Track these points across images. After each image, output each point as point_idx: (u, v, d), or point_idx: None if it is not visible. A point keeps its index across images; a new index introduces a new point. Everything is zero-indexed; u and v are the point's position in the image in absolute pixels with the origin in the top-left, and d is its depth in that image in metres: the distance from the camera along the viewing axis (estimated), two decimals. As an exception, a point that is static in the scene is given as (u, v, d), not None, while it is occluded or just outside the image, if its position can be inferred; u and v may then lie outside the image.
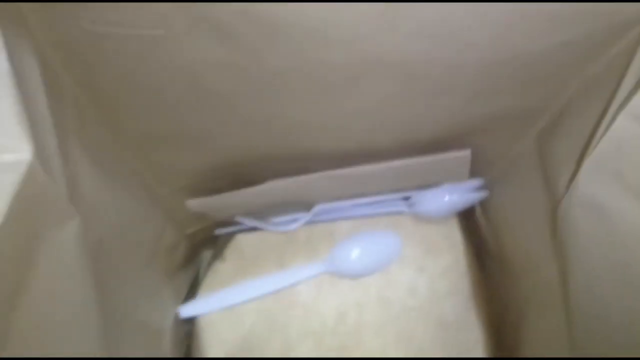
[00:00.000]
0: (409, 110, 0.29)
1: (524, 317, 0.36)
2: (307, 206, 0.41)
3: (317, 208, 0.40)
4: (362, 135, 0.31)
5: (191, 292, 0.41)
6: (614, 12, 0.21)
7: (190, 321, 0.40)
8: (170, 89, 0.24)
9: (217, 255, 0.42)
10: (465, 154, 0.33)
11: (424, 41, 0.22)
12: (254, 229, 0.42)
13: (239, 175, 0.36)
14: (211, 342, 0.39)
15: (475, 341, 0.39)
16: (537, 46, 0.22)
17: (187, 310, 0.39)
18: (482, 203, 0.41)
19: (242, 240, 0.42)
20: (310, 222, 0.42)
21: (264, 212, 0.41)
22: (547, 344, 0.33)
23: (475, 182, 0.39)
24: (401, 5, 0.19)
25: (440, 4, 0.19)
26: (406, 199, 0.41)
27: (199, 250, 0.42)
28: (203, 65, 0.23)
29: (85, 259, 0.20)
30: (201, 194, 0.35)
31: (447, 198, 0.40)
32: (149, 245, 0.33)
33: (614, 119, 0.20)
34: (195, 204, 0.34)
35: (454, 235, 0.42)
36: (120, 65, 0.22)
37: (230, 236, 0.42)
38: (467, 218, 0.43)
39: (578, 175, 0.22)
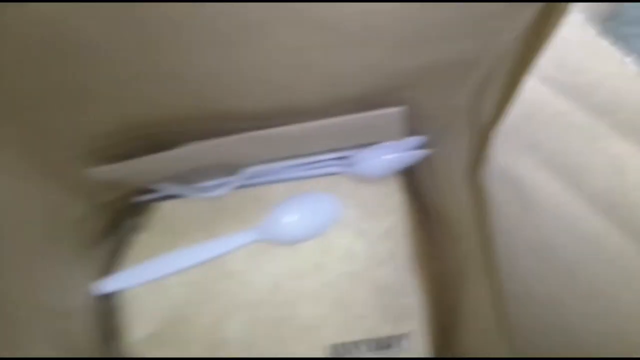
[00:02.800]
0: (329, 64, 0.25)
1: (463, 281, 0.34)
2: (236, 170, 0.37)
3: (247, 171, 0.37)
4: (281, 93, 0.28)
5: (113, 266, 0.37)
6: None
7: (111, 298, 0.37)
8: (31, 48, 0.20)
9: (138, 225, 0.38)
10: (397, 110, 0.30)
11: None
12: (179, 197, 0.38)
13: (153, 138, 0.32)
14: (136, 318, 0.36)
15: (415, 305, 0.37)
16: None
17: (106, 285, 0.36)
18: (423, 162, 0.39)
19: (166, 208, 0.38)
20: (240, 187, 0.38)
21: (188, 177, 0.37)
22: (483, 312, 0.31)
23: (414, 140, 0.36)
24: None
25: None
26: (343, 159, 0.39)
27: (119, 220, 0.38)
28: (70, 19, 0.19)
29: None
30: (110, 160, 0.31)
31: (385, 157, 0.37)
32: (45, 223, 0.29)
33: (525, 76, 0.17)
34: (99, 172, 0.30)
35: (394, 196, 0.39)
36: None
37: (152, 204, 0.39)
38: (409, 178, 0.40)
39: (493, 144, 0.19)
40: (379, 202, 0.39)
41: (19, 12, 0.18)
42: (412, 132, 0.35)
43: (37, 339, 0.28)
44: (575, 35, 0.14)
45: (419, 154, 0.37)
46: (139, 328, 0.36)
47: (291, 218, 0.39)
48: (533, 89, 0.16)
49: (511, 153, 0.18)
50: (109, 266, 0.37)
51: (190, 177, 0.38)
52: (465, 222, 0.30)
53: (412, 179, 0.40)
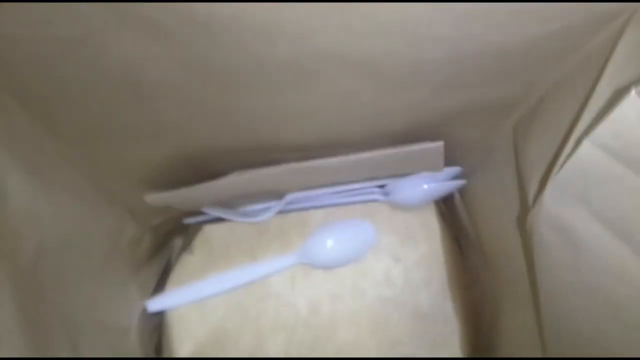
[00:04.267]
0: (375, 105, 0.26)
1: (501, 310, 0.35)
2: (277, 196, 0.39)
3: (288, 197, 0.39)
4: (328, 128, 0.29)
5: (161, 285, 0.39)
6: (591, 5, 0.18)
7: (159, 315, 0.39)
8: (102, 87, 0.22)
9: (186, 247, 0.40)
10: (437, 145, 0.31)
11: (380, 38, 0.19)
12: (223, 220, 0.40)
13: (201, 168, 0.34)
14: (180, 336, 0.38)
15: (451, 332, 0.38)
16: (505, 39, 0.20)
17: (155, 304, 0.38)
18: (461, 191, 0.40)
19: (211, 231, 0.40)
20: (282, 212, 0.40)
21: (233, 202, 0.39)
22: (522, 340, 0.32)
23: (453, 170, 0.37)
24: (350, 4, 0.17)
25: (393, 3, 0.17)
26: (382, 187, 0.40)
27: (168, 240, 0.41)
28: (137, 61, 0.21)
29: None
30: (162, 187, 0.34)
31: (423, 186, 0.38)
32: (106, 244, 0.31)
33: (579, 143, 0.18)
34: (154, 198, 0.32)
35: (431, 223, 0.40)
36: (42, 66, 0.20)
37: (199, 227, 0.41)
38: (446, 206, 0.41)
39: (544, 192, 0.20)
40: (416, 229, 0.40)
41: (104, 51, 0.20)
42: (450, 162, 0.36)
43: (96, 352, 0.30)
44: (634, 109, 0.15)
45: (456, 184, 0.38)
46: (184, 345, 0.38)
47: (330, 243, 0.40)
48: (587, 150, 0.17)
49: (562, 202, 0.19)
50: (158, 286, 0.39)
51: (236, 202, 0.39)
52: (507, 249, 0.31)
53: (449, 207, 0.41)
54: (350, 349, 0.38)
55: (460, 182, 0.37)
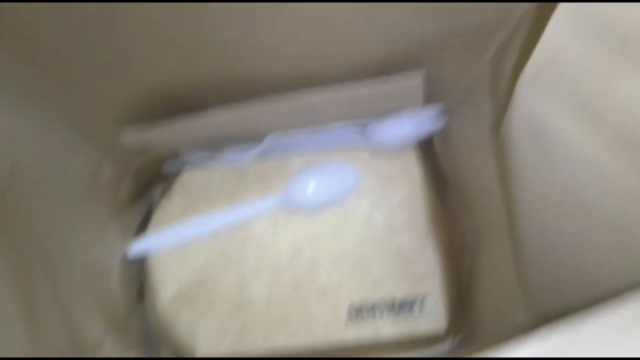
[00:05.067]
0: (350, 32, 0.26)
1: (480, 247, 0.36)
2: (257, 139, 0.39)
3: (268, 140, 0.38)
4: (304, 59, 0.29)
5: (141, 231, 0.39)
6: None
7: (141, 260, 0.39)
8: (73, 10, 0.21)
9: (165, 192, 0.40)
10: (416, 75, 0.31)
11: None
12: (203, 165, 0.40)
13: (180, 107, 0.33)
14: (163, 279, 0.38)
15: (431, 272, 0.38)
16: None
17: (136, 247, 0.38)
18: (440, 135, 0.40)
19: (191, 177, 0.40)
20: (262, 157, 0.40)
21: (212, 146, 0.39)
22: (500, 276, 0.32)
23: (432, 110, 0.37)
24: None
25: None
26: (362, 129, 0.40)
27: (148, 187, 0.40)
28: None
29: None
30: (141, 125, 0.33)
31: (403, 128, 0.38)
32: (82, 181, 0.31)
33: (548, 19, 0.18)
34: (131, 136, 0.32)
35: (412, 166, 0.41)
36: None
37: (178, 173, 0.40)
38: (426, 148, 0.41)
39: (515, 92, 0.20)
40: (397, 172, 0.41)
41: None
42: (429, 102, 0.36)
43: (78, 295, 0.30)
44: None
45: (436, 124, 0.38)
46: (167, 288, 0.38)
47: (311, 187, 0.40)
48: (554, 29, 0.17)
49: (533, 98, 0.19)
50: (140, 230, 0.39)
51: (215, 146, 0.39)
52: (485, 188, 0.31)
53: (429, 149, 0.41)
54: (332, 289, 0.38)
55: (440, 122, 0.37)
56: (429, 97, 0.35)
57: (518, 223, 0.26)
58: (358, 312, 0.38)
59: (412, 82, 0.32)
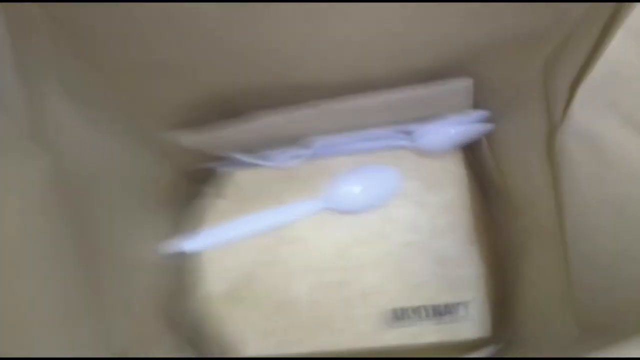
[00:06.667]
0: (402, 37, 0.26)
1: (524, 252, 0.35)
2: (305, 142, 0.40)
3: (316, 143, 0.39)
4: (355, 64, 0.29)
5: (194, 229, 0.41)
6: None
7: (186, 257, 0.40)
8: (141, 20, 0.22)
9: (217, 192, 0.41)
10: (467, 82, 0.31)
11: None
12: (253, 166, 0.41)
13: (232, 111, 0.35)
14: (211, 276, 0.40)
15: (475, 276, 0.38)
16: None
17: (185, 245, 0.39)
18: (488, 137, 0.39)
19: (241, 177, 0.41)
20: (309, 158, 0.41)
21: (262, 148, 0.40)
22: (546, 282, 0.32)
23: (480, 114, 0.37)
24: None
25: None
26: (408, 132, 0.40)
27: (201, 187, 0.42)
28: None
29: (56, 196, 0.20)
30: (194, 128, 0.35)
31: (450, 131, 0.38)
32: (144, 183, 0.33)
33: (611, 36, 0.17)
34: (188, 138, 0.34)
35: (457, 169, 0.40)
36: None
37: (228, 173, 0.42)
38: (473, 152, 0.41)
39: (573, 103, 0.20)
40: (441, 176, 0.41)
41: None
42: (477, 106, 0.36)
43: (117, 289, 0.31)
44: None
45: (482, 128, 0.38)
46: (213, 286, 0.40)
47: (354, 188, 0.41)
48: (619, 43, 0.17)
49: (591, 110, 0.18)
50: (188, 228, 0.41)
51: (264, 148, 0.40)
52: (535, 193, 0.31)
53: (474, 153, 0.41)
54: (375, 292, 0.39)
55: (487, 126, 0.37)
56: (477, 101, 0.35)
57: (566, 231, 0.26)
58: (400, 316, 0.38)
59: (462, 87, 0.32)
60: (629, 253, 0.19)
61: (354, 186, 0.41)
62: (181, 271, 0.40)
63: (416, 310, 0.38)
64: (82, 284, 0.23)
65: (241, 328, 0.39)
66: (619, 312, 0.22)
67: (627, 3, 0.18)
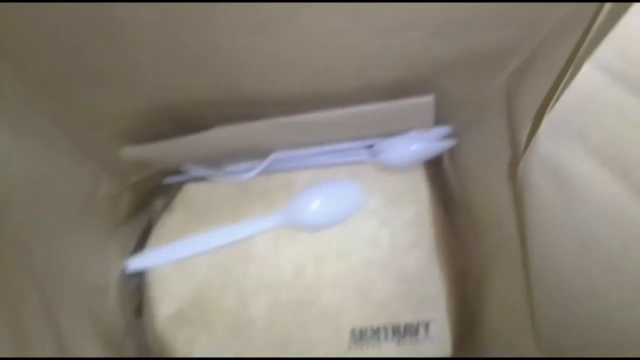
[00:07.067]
0: (362, 51, 0.25)
1: (488, 271, 0.35)
2: (262, 154, 0.38)
3: (273, 156, 0.37)
4: (312, 79, 0.28)
5: (141, 245, 0.38)
6: None
7: (140, 277, 0.38)
8: (70, 23, 0.20)
9: (166, 206, 0.39)
10: (428, 99, 0.30)
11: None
12: (205, 179, 0.39)
13: (182, 121, 0.32)
14: (162, 296, 0.37)
15: (436, 295, 0.37)
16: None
17: (135, 263, 0.37)
18: (450, 153, 0.39)
19: (193, 191, 0.39)
20: (266, 172, 0.39)
21: (215, 160, 0.38)
22: (509, 303, 0.31)
23: (442, 130, 0.36)
24: None
25: None
26: (369, 147, 0.39)
27: (148, 200, 0.39)
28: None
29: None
30: (140, 141, 0.32)
31: (412, 147, 0.37)
32: (80, 198, 0.30)
33: (578, 67, 0.17)
34: (131, 152, 0.31)
35: (419, 186, 0.39)
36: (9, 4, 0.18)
37: (181, 186, 0.39)
38: (435, 168, 0.40)
39: (539, 132, 0.19)
40: (403, 192, 0.39)
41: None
42: (439, 122, 0.35)
43: (72, 313, 0.29)
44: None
45: (445, 144, 0.37)
46: (166, 306, 0.37)
47: (315, 205, 0.39)
48: (586, 76, 0.16)
49: (557, 140, 0.18)
50: (138, 245, 0.38)
51: (219, 160, 0.38)
52: (496, 212, 0.30)
53: (437, 169, 0.40)
54: (335, 312, 0.37)
55: (449, 142, 0.36)
56: (441, 117, 0.34)
57: (530, 257, 0.25)
58: (361, 336, 0.37)
59: (422, 103, 0.31)
60: (594, 289, 0.18)
61: (313, 202, 0.39)
62: (128, 293, 0.37)
63: (377, 330, 0.37)
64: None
65: (191, 350, 0.36)
66: (581, 348, 0.21)
67: (594, 35, 0.17)
